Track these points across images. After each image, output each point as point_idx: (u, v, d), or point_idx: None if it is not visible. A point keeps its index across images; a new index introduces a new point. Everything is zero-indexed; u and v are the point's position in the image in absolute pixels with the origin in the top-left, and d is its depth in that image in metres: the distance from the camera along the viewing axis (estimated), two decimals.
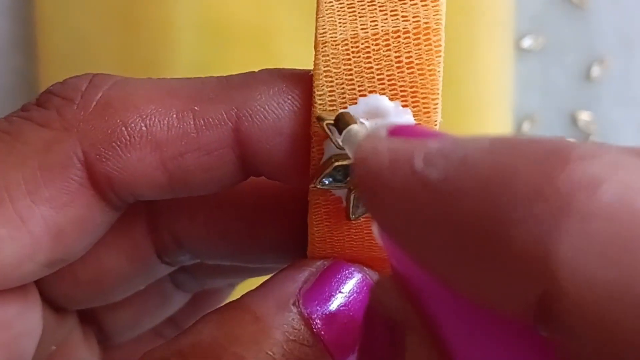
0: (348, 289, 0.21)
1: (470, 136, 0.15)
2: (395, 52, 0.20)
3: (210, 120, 0.21)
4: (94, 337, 0.27)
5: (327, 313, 0.20)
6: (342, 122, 0.19)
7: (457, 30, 0.41)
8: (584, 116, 0.44)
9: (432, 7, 0.20)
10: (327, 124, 0.20)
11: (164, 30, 0.41)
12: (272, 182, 0.24)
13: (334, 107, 0.20)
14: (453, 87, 0.42)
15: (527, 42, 0.43)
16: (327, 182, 0.20)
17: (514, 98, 0.43)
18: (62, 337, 0.26)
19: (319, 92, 0.20)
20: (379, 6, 0.20)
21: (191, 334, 0.20)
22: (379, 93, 0.20)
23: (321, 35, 0.20)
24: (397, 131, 0.16)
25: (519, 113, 0.44)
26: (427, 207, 0.14)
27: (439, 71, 0.20)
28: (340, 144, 0.20)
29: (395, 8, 0.20)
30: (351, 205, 0.21)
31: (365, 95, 0.20)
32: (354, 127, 0.19)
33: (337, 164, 0.20)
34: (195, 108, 0.21)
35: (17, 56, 0.42)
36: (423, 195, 0.14)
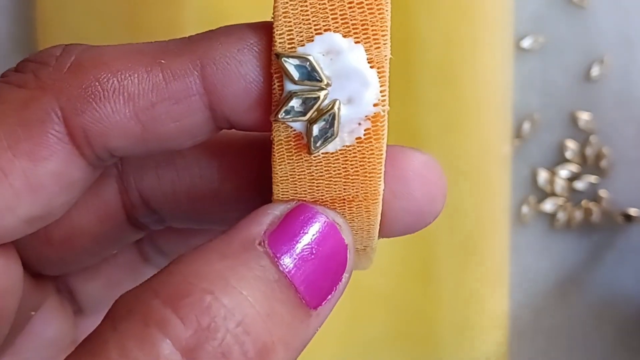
0: (312, 229, 0.22)
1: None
2: None
3: (177, 70, 0.22)
4: (69, 306, 0.29)
5: (293, 254, 0.21)
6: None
7: (457, 30, 0.41)
8: (584, 116, 0.44)
9: None
10: (283, 60, 0.21)
11: (164, 30, 0.41)
12: (236, 140, 0.26)
13: (293, 45, 0.22)
14: (453, 87, 0.42)
15: (527, 42, 0.43)
16: (285, 115, 0.22)
17: (514, 98, 0.43)
18: (39, 304, 0.27)
19: (279, 32, 0.22)
20: None
21: (162, 274, 0.21)
22: (334, 31, 0.22)
23: None
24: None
25: (519, 113, 0.44)
26: None
27: (386, 10, 0.22)
28: (296, 78, 0.21)
29: None
30: (311, 138, 0.22)
31: (321, 34, 0.22)
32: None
33: (297, 95, 0.22)
34: (162, 61, 0.22)
35: (17, 56, 0.42)
36: None
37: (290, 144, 0.22)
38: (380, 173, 0.23)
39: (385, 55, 0.22)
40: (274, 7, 0.22)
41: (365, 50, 0.22)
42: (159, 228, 0.28)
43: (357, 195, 0.23)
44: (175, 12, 0.41)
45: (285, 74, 0.22)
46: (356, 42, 0.22)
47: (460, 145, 0.42)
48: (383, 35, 0.22)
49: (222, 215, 0.27)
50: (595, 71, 0.43)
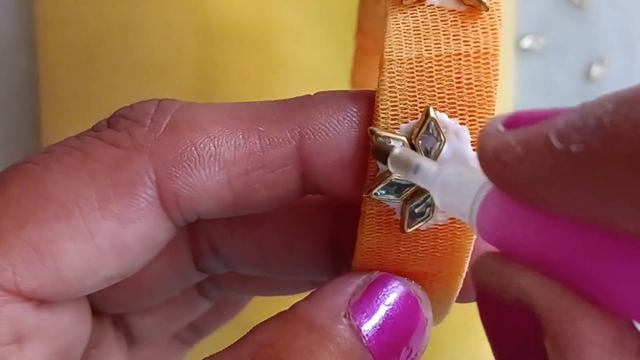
0: (393, 301, 0.22)
1: (585, 104, 0.16)
2: (456, 73, 0.21)
3: (275, 139, 0.22)
4: (124, 340, 0.28)
5: (375, 325, 0.21)
6: (380, 153, 0.21)
7: None
8: None
9: (492, 34, 0.21)
10: (376, 137, 0.21)
11: (164, 30, 0.41)
12: (313, 197, 0.25)
13: (396, 122, 0.21)
14: None
15: (527, 42, 0.43)
16: (380, 194, 0.21)
17: (514, 98, 0.43)
18: (99, 341, 0.27)
19: (383, 107, 0.21)
20: (442, 30, 0.21)
21: (249, 343, 0.21)
22: (439, 110, 0.21)
23: (388, 54, 0.21)
24: (512, 121, 0.17)
25: None
26: (575, 176, 0.15)
27: (495, 93, 0.21)
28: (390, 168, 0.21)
29: (457, 33, 0.21)
30: (406, 217, 0.21)
31: (426, 113, 0.21)
32: (395, 151, 0.20)
33: (393, 177, 0.21)
34: (260, 128, 0.22)
35: (18, 56, 0.42)
36: (571, 169, 0.15)
37: (381, 218, 0.22)
38: (469, 252, 0.22)
39: None
40: (379, 80, 0.21)
41: (470, 132, 0.21)
42: (224, 272, 0.28)
43: (441, 270, 0.23)
44: (175, 12, 0.41)
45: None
46: (461, 124, 0.21)
47: None
48: (490, 118, 0.21)
49: (291, 268, 0.26)
50: (595, 71, 0.43)
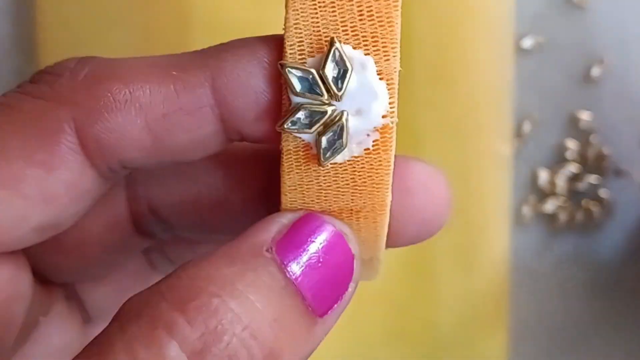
0: (319, 238, 0.22)
1: None
2: (358, 6, 0.22)
3: (189, 82, 0.22)
4: (77, 314, 0.29)
5: (300, 262, 0.22)
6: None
7: (457, 30, 0.42)
8: (584, 116, 0.44)
9: None
10: (288, 70, 0.22)
11: (165, 30, 0.41)
12: (243, 150, 0.26)
13: (304, 56, 0.22)
14: (453, 87, 0.42)
15: (527, 42, 0.43)
16: (292, 126, 0.22)
17: (514, 98, 0.43)
18: (48, 310, 0.27)
19: (290, 43, 0.22)
20: None
21: (170, 278, 0.21)
22: (344, 42, 0.22)
23: None
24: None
25: (519, 113, 0.44)
26: None
27: (397, 23, 0.22)
28: (297, 90, 0.22)
29: None
30: (320, 149, 0.22)
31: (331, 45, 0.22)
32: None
33: (304, 107, 0.22)
34: (174, 73, 0.23)
35: (17, 57, 0.42)
36: None
37: (299, 154, 0.23)
38: (388, 184, 0.23)
39: (395, 68, 0.22)
40: (285, 19, 0.22)
41: (375, 62, 0.22)
42: (167, 237, 0.28)
43: (364, 206, 0.23)
44: (175, 12, 0.41)
45: (288, 85, 0.22)
46: (366, 54, 0.22)
47: (459, 145, 0.42)
48: (393, 48, 0.22)
49: (230, 226, 0.27)
50: (595, 71, 0.43)
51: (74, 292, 0.29)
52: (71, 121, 0.22)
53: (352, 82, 0.22)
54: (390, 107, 0.22)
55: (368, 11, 0.22)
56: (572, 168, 0.44)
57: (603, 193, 0.44)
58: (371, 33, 0.22)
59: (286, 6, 0.22)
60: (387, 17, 0.22)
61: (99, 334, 0.20)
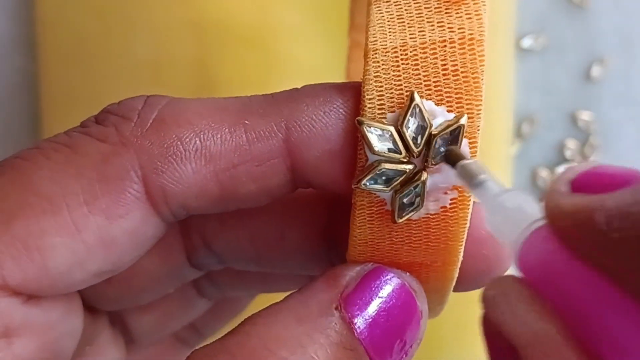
0: (387, 293, 0.22)
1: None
2: (442, 60, 0.21)
3: (261, 132, 0.22)
4: (121, 339, 0.28)
5: (368, 317, 0.21)
6: (452, 157, 0.21)
7: None
8: (584, 116, 0.44)
9: (477, 19, 0.21)
10: (366, 127, 0.21)
11: (164, 30, 0.41)
12: (301, 191, 0.24)
13: (383, 111, 0.21)
14: None
15: (527, 42, 0.43)
16: (369, 184, 0.21)
17: (514, 98, 0.43)
18: (94, 338, 0.27)
19: (369, 97, 0.21)
20: (427, 18, 0.21)
21: (239, 335, 0.21)
22: (426, 98, 0.21)
23: (372, 43, 0.21)
24: (578, 183, 0.19)
25: (519, 113, 0.44)
26: (612, 252, 0.17)
27: (482, 79, 0.21)
28: (375, 148, 0.21)
29: (442, 20, 0.21)
30: (397, 208, 0.21)
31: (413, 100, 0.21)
32: (466, 161, 0.20)
33: (382, 167, 0.21)
34: (246, 122, 0.22)
35: (17, 56, 0.42)
36: (610, 246, 0.17)
37: (372, 209, 0.22)
38: (463, 241, 0.22)
39: (478, 126, 0.21)
40: (365, 70, 0.21)
41: None
42: (218, 268, 0.28)
43: (435, 260, 0.22)
44: (174, 12, 0.41)
45: (365, 142, 0.21)
46: (449, 111, 0.21)
47: None
48: (477, 105, 0.21)
49: (285, 261, 0.26)
50: (595, 71, 0.43)
51: (119, 317, 0.28)
52: (138, 168, 0.22)
53: (439, 142, 0.21)
54: None
55: (452, 66, 0.21)
56: None
57: None
58: (455, 89, 0.21)
59: (365, 57, 0.21)
60: (473, 73, 0.21)
61: None
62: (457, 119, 0.21)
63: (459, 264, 0.23)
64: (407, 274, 0.22)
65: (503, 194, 0.20)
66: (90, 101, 0.41)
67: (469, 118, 0.21)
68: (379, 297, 0.21)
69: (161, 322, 0.29)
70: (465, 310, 0.44)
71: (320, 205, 0.25)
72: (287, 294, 0.28)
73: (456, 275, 0.23)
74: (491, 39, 0.42)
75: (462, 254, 0.22)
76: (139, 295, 0.27)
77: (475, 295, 0.44)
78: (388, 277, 0.22)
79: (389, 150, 0.21)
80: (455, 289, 0.24)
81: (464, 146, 0.21)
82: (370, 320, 0.21)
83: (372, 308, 0.21)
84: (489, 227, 0.20)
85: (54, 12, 0.41)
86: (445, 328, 0.43)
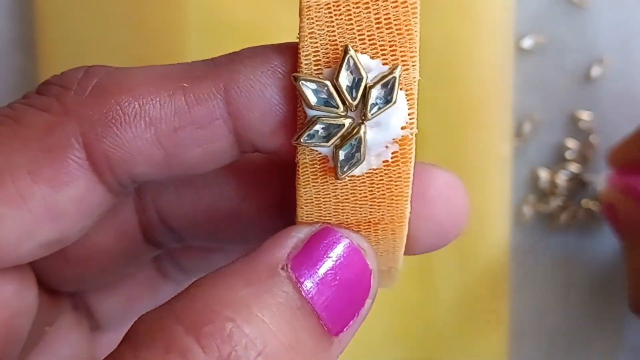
0: (336, 254, 0.22)
1: None
2: (375, 14, 0.21)
3: (200, 95, 0.22)
4: (85, 322, 0.28)
5: (316, 277, 0.21)
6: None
7: (457, 30, 0.41)
8: (584, 116, 0.44)
9: None
10: (301, 83, 0.21)
11: (164, 30, 0.41)
12: (256, 159, 0.25)
13: (319, 67, 0.21)
14: (453, 87, 0.42)
15: (527, 42, 0.43)
16: (308, 140, 0.21)
17: (514, 98, 0.43)
18: (54, 320, 0.27)
19: (305, 53, 0.21)
20: None
21: (184, 298, 0.21)
22: (361, 52, 0.21)
23: (306, 1, 0.21)
24: None
25: (519, 113, 0.44)
26: None
27: (415, 31, 0.21)
28: (312, 103, 0.21)
29: None
30: (338, 164, 0.21)
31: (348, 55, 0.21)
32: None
33: (320, 120, 0.21)
34: (185, 85, 0.22)
35: (17, 56, 0.42)
36: None
37: (315, 167, 0.22)
38: (408, 196, 0.22)
39: (414, 77, 0.21)
40: (300, 27, 0.21)
41: None
42: (177, 246, 0.28)
43: (383, 218, 0.22)
44: (175, 11, 0.41)
45: (302, 98, 0.21)
46: (384, 64, 0.21)
47: (460, 145, 0.42)
48: (412, 57, 0.21)
49: (242, 235, 0.26)
50: (595, 71, 0.43)
51: (81, 301, 0.28)
52: (79, 136, 0.22)
53: (374, 94, 0.21)
54: (410, 119, 0.21)
55: (386, 19, 0.21)
56: (572, 168, 0.44)
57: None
58: (389, 42, 0.21)
59: (300, 15, 0.21)
60: (406, 25, 0.21)
61: (111, 355, 0.20)
62: (391, 70, 0.21)
63: (406, 221, 0.23)
64: (355, 233, 0.22)
65: None
66: None
67: (404, 69, 0.21)
68: (327, 257, 0.21)
69: (126, 306, 0.29)
70: (465, 311, 0.44)
71: (275, 178, 0.26)
72: None
73: (405, 232, 0.23)
74: (490, 39, 0.42)
75: (409, 209, 0.22)
76: (96, 275, 0.27)
77: (475, 295, 0.44)
78: (336, 236, 0.22)
79: (326, 104, 0.21)
80: (410, 251, 0.24)
81: (401, 98, 0.21)
82: (318, 280, 0.21)
83: (321, 268, 0.21)
84: None
85: (54, 12, 0.41)
86: (446, 328, 0.44)
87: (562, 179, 0.44)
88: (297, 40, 0.21)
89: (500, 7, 0.42)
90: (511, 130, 0.43)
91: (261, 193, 0.26)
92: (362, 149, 0.21)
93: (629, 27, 0.43)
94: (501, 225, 0.43)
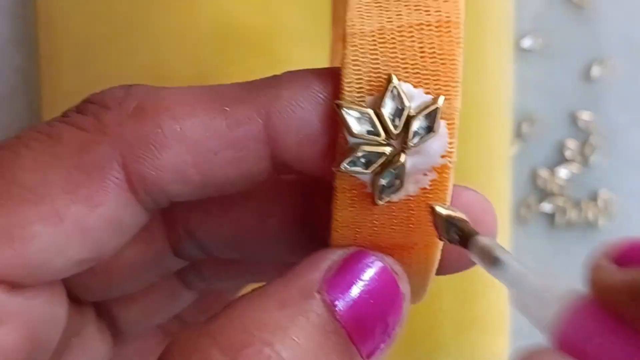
0: (369, 277, 0.22)
1: None
2: (419, 43, 0.21)
3: (241, 118, 0.22)
4: (107, 330, 0.28)
5: (349, 301, 0.21)
6: (465, 233, 0.21)
7: None
8: (584, 116, 0.44)
9: (453, 2, 0.21)
10: (344, 110, 0.21)
11: (165, 30, 0.41)
12: (281, 178, 0.25)
13: (362, 95, 0.21)
14: None
15: (527, 42, 0.43)
16: (349, 167, 0.21)
17: (514, 98, 0.43)
18: (80, 330, 0.27)
19: (347, 80, 0.21)
20: (404, 1, 0.21)
21: (220, 319, 0.21)
22: (404, 81, 0.21)
23: (350, 27, 0.21)
24: (621, 259, 0.19)
25: (519, 113, 0.44)
26: None
27: (459, 61, 0.21)
28: (355, 131, 0.21)
29: (418, 3, 0.21)
30: (377, 190, 0.21)
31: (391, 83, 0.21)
32: (480, 239, 0.20)
33: (362, 149, 0.21)
34: (226, 108, 0.22)
35: (17, 56, 0.42)
36: None
37: (353, 192, 0.22)
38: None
39: (456, 107, 0.21)
40: (343, 54, 0.21)
41: None
42: (202, 258, 0.28)
43: (417, 242, 0.23)
44: (176, 12, 0.41)
45: (344, 126, 0.21)
46: (426, 93, 0.21)
47: (460, 145, 0.42)
48: (455, 87, 0.21)
49: (266, 248, 0.26)
50: (595, 71, 0.43)
51: (104, 308, 0.28)
52: (119, 156, 0.22)
53: (416, 125, 0.21)
54: (450, 147, 0.21)
55: (430, 48, 0.21)
56: (572, 168, 0.44)
57: (603, 193, 0.44)
58: (432, 71, 0.21)
59: (344, 42, 0.21)
60: (450, 55, 0.21)
61: None
62: (435, 100, 0.21)
63: (440, 246, 0.23)
64: (389, 256, 0.22)
65: (528, 273, 0.20)
66: None
67: (446, 99, 0.21)
68: (361, 280, 0.21)
69: (147, 313, 0.29)
70: (465, 311, 0.44)
71: (299, 192, 0.26)
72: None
73: (438, 257, 0.23)
74: (491, 39, 0.42)
75: None
76: (122, 285, 0.27)
77: (474, 295, 0.44)
78: (370, 260, 0.22)
79: (368, 132, 0.21)
80: (440, 272, 0.24)
81: (442, 127, 0.21)
82: (352, 303, 0.21)
83: (354, 291, 0.21)
84: (514, 305, 0.20)
85: (54, 12, 0.41)
86: (446, 328, 0.44)
87: (562, 179, 0.44)
88: (340, 66, 0.21)
89: (500, 7, 0.42)
90: (511, 130, 0.43)
91: (286, 209, 0.26)
92: (401, 177, 0.21)
93: (629, 27, 0.43)
94: (501, 225, 0.43)
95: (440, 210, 0.21)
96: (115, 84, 0.40)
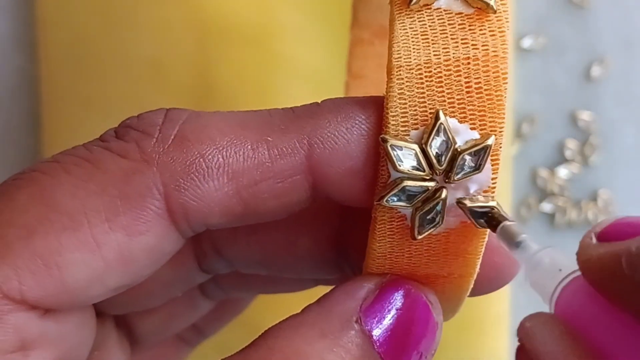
0: (405, 306, 0.22)
1: None
2: (466, 78, 0.21)
3: (284, 149, 0.22)
4: (126, 341, 0.28)
5: (386, 329, 0.21)
6: (494, 219, 0.21)
7: None
8: (584, 116, 0.44)
9: (500, 36, 0.21)
10: (390, 145, 0.21)
11: (165, 29, 0.41)
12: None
13: (406, 129, 0.21)
14: None
15: (527, 42, 0.43)
16: (392, 201, 0.21)
17: (514, 98, 0.43)
18: (103, 343, 0.27)
19: (393, 114, 0.21)
20: (451, 35, 0.21)
21: (262, 349, 0.21)
22: (449, 116, 0.21)
23: (396, 60, 0.21)
24: (605, 235, 0.20)
25: (519, 113, 0.44)
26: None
27: (505, 97, 0.21)
28: (399, 167, 0.21)
29: (465, 37, 0.21)
30: (417, 225, 0.21)
31: (436, 118, 0.21)
32: (507, 223, 0.21)
33: (405, 183, 0.21)
34: (269, 139, 0.22)
35: (18, 56, 0.42)
36: (630, 287, 0.18)
37: (392, 224, 0.22)
38: (481, 254, 0.22)
39: (500, 144, 0.21)
40: (388, 87, 0.21)
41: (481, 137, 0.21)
42: (227, 272, 0.28)
43: (452, 272, 0.23)
44: (174, 11, 0.41)
45: (389, 160, 0.21)
46: (472, 129, 0.21)
47: None
48: (500, 124, 0.21)
49: (294, 266, 0.27)
50: (595, 71, 0.43)
51: (123, 319, 0.28)
52: (160, 186, 0.21)
53: (464, 161, 0.21)
54: (492, 183, 0.21)
55: (476, 84, 0.21)
56: (572, 168, 0.44)
57: (603, 193, 0.44)
58: (478, 107, 0.21)
59: (389, 74, 0.21)
60: (496, 91, 0.21)
61: None
62: (484, 139, 0.21)
63: (475, 276, 0.23)
64: (424, 286, 0.23)
65: (540, 251, 0.21)
66: (90, 101, 0.41)
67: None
68: (397, 309, 0.22)
69: (166, 323, 0.29)
70: (465, 311, 0.44)
71: (331, 212, 0.26)
72: (292, 295, 0.28)
73: (471, 286, 0.23)
74: None
75: (479, 266, 0.23)
76: (148, 299, 0.27)
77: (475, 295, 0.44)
78: (405, 288, 0.22)
79: (412, 168, 0.21)
80: (469, 295, 0.24)
81: (487, 164, 0.21)
82: (388, 332, 0.21)
83: (390, 320, 0.21)
84: (529, 281, 0.21)
85: (54, 12, 0.41)
86: (446, 328, 0.44)
87: (562, 179, 0.44)
88: (384, 96, 0.21)
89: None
90: (511, 130, 0.43)
91: (317, 228, 0.26)
92: (442, 212, 0.21)
93: (629, 27, 0.43)
94: None
95: (469, 203, 0.21)
96: (115, 83, 0.41)
